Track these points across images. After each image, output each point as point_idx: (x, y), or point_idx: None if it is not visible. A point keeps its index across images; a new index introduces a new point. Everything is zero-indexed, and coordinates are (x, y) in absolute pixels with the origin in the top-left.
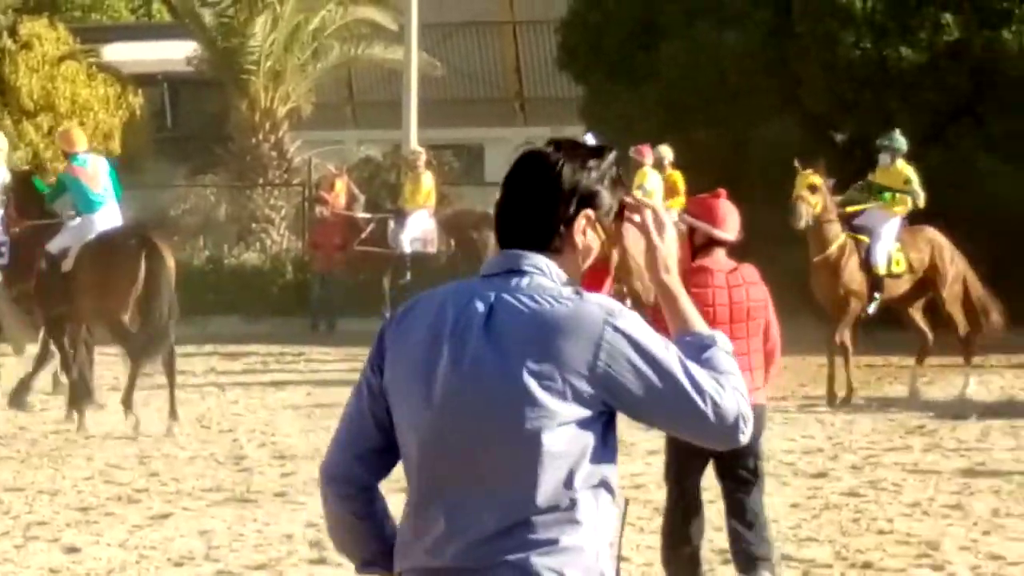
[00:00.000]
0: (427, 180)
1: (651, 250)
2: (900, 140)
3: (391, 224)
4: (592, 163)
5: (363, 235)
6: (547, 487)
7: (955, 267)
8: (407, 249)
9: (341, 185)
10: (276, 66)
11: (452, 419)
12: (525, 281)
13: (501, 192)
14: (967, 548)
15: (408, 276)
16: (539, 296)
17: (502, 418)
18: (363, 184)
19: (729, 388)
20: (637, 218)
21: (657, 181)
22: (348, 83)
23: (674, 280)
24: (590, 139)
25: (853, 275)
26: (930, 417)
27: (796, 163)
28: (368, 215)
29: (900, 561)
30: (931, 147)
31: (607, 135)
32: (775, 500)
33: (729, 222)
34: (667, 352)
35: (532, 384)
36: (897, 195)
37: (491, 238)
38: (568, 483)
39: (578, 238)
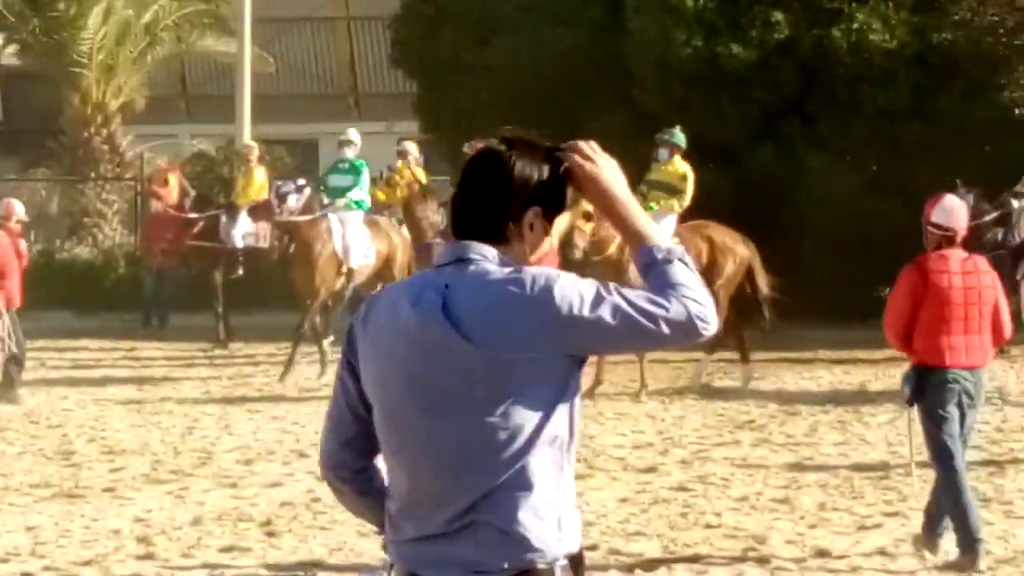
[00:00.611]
0: (259, 175)
1: (595, 173)
2: (680, 135)
3: (223, 219)
4: (544, 162)
5: (195, 230)
6: (514, 450)
7: (733, 262)
8: (239, 244)
9: (174, 180)
10: (108, 60)
11: (423, 399)
12: (472, 268)
13: (457, 186)
14: (793, 542)
15: (240, 271)
16: (485, 279)
17: (468, 393)
18: (196, 178)
19: (676, 298)
20: (576, 158)
21: None
22: (182, 77)
23: (625, 192)
24: None
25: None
26: (760, 412)
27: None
28: (199, 211)
29: (727, 554)
30: (762, 144)
31: (441, 131)
32: (604, 495)
33: None
34: (609, 294)
35: (492, 358)
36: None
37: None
38: (530, 445)
39: (526, 232)
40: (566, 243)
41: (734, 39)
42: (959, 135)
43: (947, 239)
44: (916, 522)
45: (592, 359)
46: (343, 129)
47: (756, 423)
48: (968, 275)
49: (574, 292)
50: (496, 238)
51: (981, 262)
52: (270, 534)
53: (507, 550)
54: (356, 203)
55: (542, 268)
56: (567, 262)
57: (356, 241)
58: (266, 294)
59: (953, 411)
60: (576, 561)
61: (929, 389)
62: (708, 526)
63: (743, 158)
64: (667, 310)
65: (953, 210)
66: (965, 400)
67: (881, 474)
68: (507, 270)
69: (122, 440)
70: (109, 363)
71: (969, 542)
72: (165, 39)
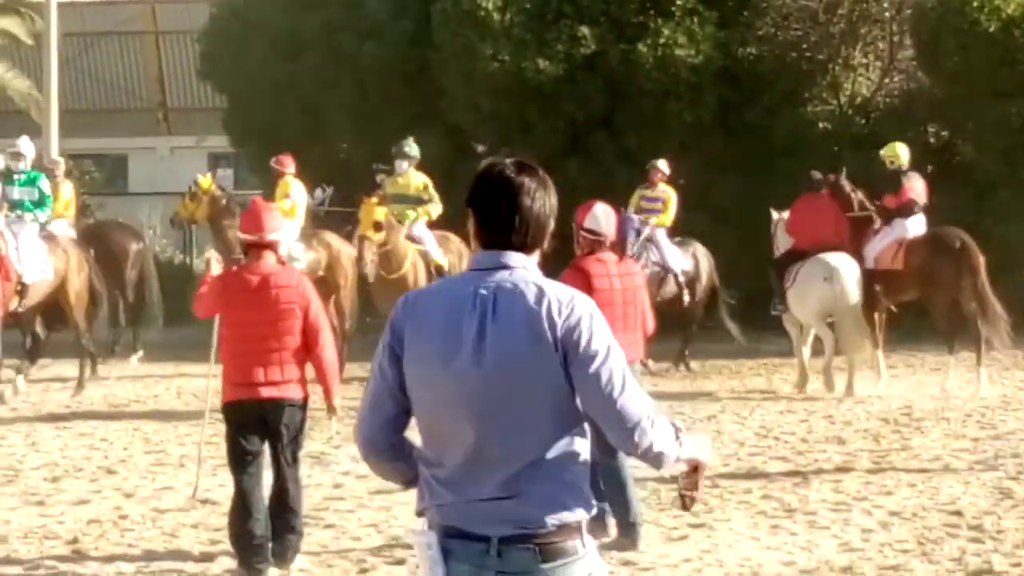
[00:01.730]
0: (66, 190)
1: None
2: (415, 147)
3: None
4: (550, 184)
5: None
6: (555, 427)
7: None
8: None
9: None
10: None
11: (474, 384)
12: (514, 274)
13: (480, 204)
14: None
15: None
16: (525, 283)
17: (516, 378)
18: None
19: (650, 417)
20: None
21: (300, 191)
22: None
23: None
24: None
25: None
26: None
27: (365, 198)
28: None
29: None
30: (570, 158)
31: (249, 145)
32: (412, 508)
33: (269, 224)
34: (615, 349)
35: (532, 349)
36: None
37: (132, 246)
38: (567, 422)
39: (545, 242)
40: (358, 258)
41: (541, 54)
42: (764, 149)
43: (599, 243)
44: (722, 533)
45: None
46: (153, 143)
47: None
48: (624, 276)
49: (589, 313)
50: (522, 248)
51: (633, 264)
52: (77, 552)
53: (549, 509)
54: (36, 214)
55: (565, 286)
56: (361, 280)
57: (31, 255)
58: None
59: None
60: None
61: None
62: None
63: (551, 172)
64: (629, 402)
65: (602, 217)
66: None
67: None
68: (541, 279)
69: None
70: None
71: (626, 524)
72: None
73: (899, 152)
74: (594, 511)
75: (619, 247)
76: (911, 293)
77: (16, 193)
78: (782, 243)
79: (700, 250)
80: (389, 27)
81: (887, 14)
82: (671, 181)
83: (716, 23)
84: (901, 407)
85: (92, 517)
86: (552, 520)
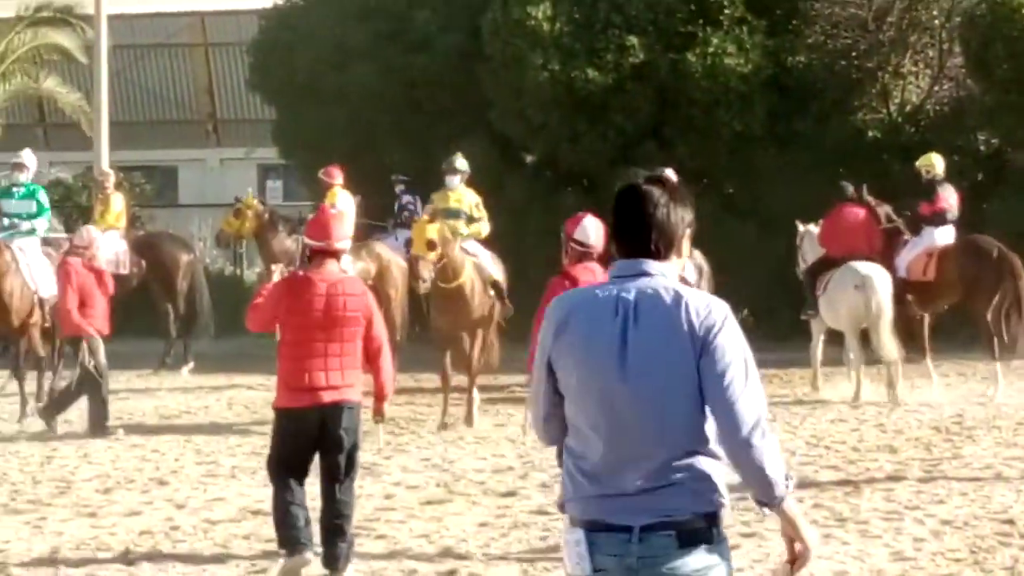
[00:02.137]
0: (117, 201)
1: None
2: (464, 162)
3: None
4: (686, 196)
5: None
6: (696, 422)
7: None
8: None
9: None
10: None
11: (617, 384)
12: (654, 281)
13: (615, 216)
14: None
15: None
16: (664, 288)
17: (656, 378)
18: (54, 206)
19: (764, 432)
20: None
21: (347, 200)
22: (39, 105)
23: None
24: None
25: (483, 301)
26: None
27: (425, 213)
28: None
29: None
30: (619, 168)
31: (298, 156)
32: (464, 520)
33: (335, 232)
34: (746, 358)
35: (672, 350)
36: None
37: (183, 258)
38: (704, 415)
39: (684, 249)
40: (412, 276)
41: (590, 63)
42: (813, 158)
43: (587, 255)
44: (774, 543)
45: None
46: (203, 155)
47: None
48: None
49: (726, 319)
50: (660, 256)
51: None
52: (129, 563)
53: (687, 500)
54: (32, 231)
55: (704, 292)
56: (415, 296)
57: (41, 270)
58: (125, 321)
59: None
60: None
61: None
62: None
63: (600, 182)
64: (750, 406)
65: (591, 229)
66: None
67: (739, 495)
68: (679, 286)
69: None
70: None
71: None
72: (17, 71)
73: (935, 162)
74: (727, 501)
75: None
76: (945, 301)
77: (13, 206)
78: (809, 254)
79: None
80: (438, 38)
81: (936, 22)
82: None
83: (765, 32)
84: (952, 416)
85: (144, 528)
86: (691, 510)
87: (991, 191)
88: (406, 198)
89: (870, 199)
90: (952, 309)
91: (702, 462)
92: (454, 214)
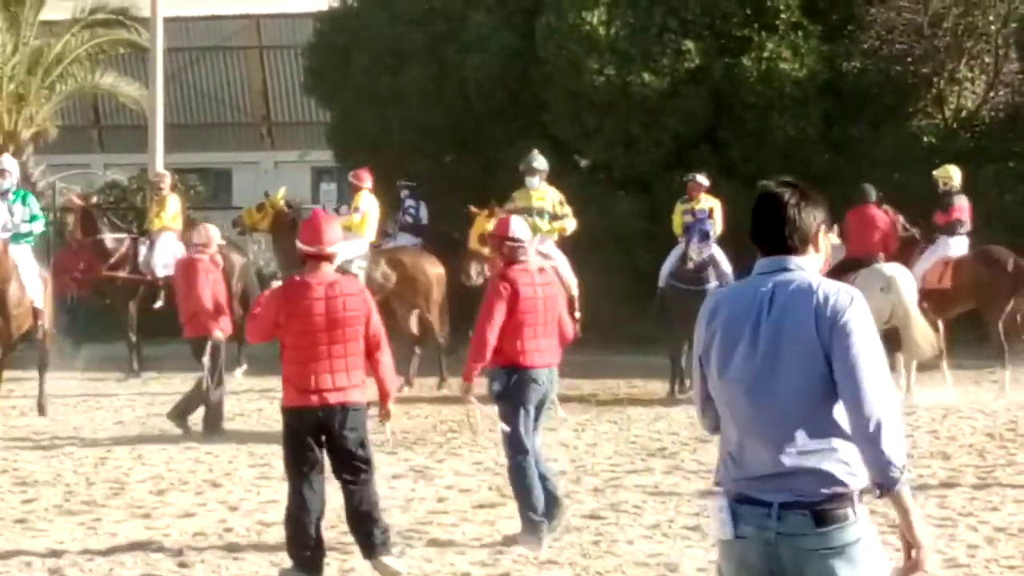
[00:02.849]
0: (172, 203)
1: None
2: (543, 160)
3: (142, 249)
4: (817, 196)
5: (112, 260)
6: (827, 407)
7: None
8: (159, 273)
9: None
10: (19, 89)
11: (762, 368)
12: (792, 274)
13: (759, 219)
14: (705, 569)
15: (160, 301)
16: (800, 280)
17: (787, 365)
18: (109, 208)
19: (889, 414)
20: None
21: (371, 203)
22: (94, 106)
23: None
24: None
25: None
26: (672, 439)
27: (470, 207)
28: (117, 237)
29: None
30: (673, 172)
31: (352, 159)
32: (517, 523)
33: (328, 236)
34: (874, 342)
35: (808, 338)
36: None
37: (238, 260)
38: (833, 402)
39: (822, 244)
40: (462, 272)
41: (645, 68)
42: (868, 163)
43: (522, 249)
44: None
45: None
46: (257, 158)
47: (668, 451)
48: (544, 285)
49: (858, 313)
50: (799, 252)
51: (551, 274)
52: (183, 565)
53: (822, 482)
54: (27, 235)
55: (842, 284)
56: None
57: (32, 279)
58: (177, 323)
59: (531, 408)
60: (863, 492)
61: (514, 386)
62: (620, 554)
63: (654, 186)
64: (877, 401)
65: (520, 226)
66: (543, 396)
67: None
68: (818, 278)
69: (34, 471)
70: (20, 393)
71: (530, 521)
72: (75, 72)
73: (952, 174)
74: (864, 483)
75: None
76: (960, 309)
77: (12, 213)
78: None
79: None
80: (493, 40)
81: (993, 27)
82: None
83: (820, 37)
84: (1006, 422)
85: (197, 530)
86: (824, 491)
87: None
88: (408, 202)
89: (887, 207)
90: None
91: (835, 444)
92: (537, 212)
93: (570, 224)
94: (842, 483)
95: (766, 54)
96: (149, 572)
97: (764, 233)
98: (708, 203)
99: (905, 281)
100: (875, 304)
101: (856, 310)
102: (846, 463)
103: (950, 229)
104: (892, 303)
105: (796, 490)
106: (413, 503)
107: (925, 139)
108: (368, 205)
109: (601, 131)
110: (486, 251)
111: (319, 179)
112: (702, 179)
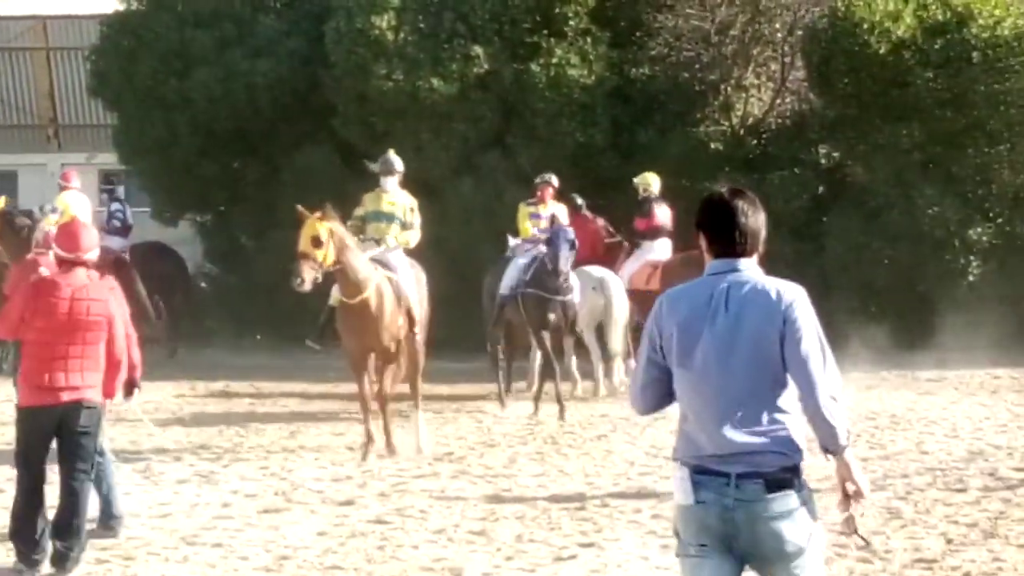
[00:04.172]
0: None
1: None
2: (400, 161)
3: None
4: (759, 203)
5: None
6: (778, 391)
7: None
8: None
9: None
10: None
11: (721, 358)
12: (744, 275)
13: (711, 222)
14: (490, 574)
15: None
16: (751, 280)
17: (744, 354)
18: None
19: (836, 393)
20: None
21: (74, 202)
22: None
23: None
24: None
25: (393, 316)
26: (459, 444)
27: (299, 208)
28: None
29: None
30: (463, 177)
31: (140, 162)
32: (301, 528)
33: (84, 243)
34: (817, 332)
35: (759, 328)
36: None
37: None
38: (784, 384)
39: (761, 248)
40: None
41: (434, 73)
42: (656, 169)
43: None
44: (612, 553)
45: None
46: (44, 160)
47: (455, 455)
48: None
49: (803, 308)
50: (745, 255)
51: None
52: None
53: (774, 456)
54: None
55: (785, 283)
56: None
57: None
58: None
59: None
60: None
61: None
62: (405, 559)
63: (444, 191)
64: (822, 383)
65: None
66: None
67: (578, 505)
68: (763, 278)
69: None
70: None
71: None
72: None
73: (651, 181)
74: (804, 457)
75: None
76: None
77: None
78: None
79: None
80: (281, 44)
81: (779, 35)
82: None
83: (609, 43)
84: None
85: None
86: (776, 464)
87: (831, 204)
88: (114, 206)
89: (588, 213)
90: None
91: (783, 424)
92: (387, 218)
93: (414, 237)
94: (791, 457)
95: (555, 60)
96: None
97: (717, 237)
98: (554, 207)
99: (614, 283)
100: (589, 303)
101: (804, 305)
102: (793, 440)
103: (652, 234)
104: (603, 302)
105: (753, 463)
106: (198, 507)
107: (712, 145)
108: (71, 205)
109: (390, 135)
110: (319, 254)
111: (107, 181)
112: (553, 180)
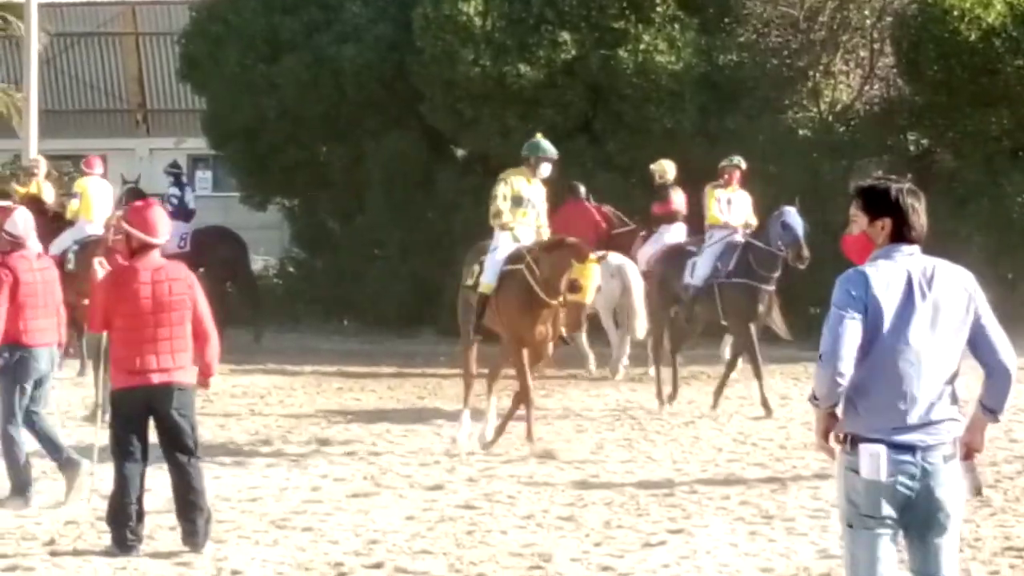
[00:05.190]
0: (47, 190)
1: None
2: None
3: None
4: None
5: None
6: (955, 362)
7: None
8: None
9: None
10: None
11: (926, 335)
12: (927, 259)
13: (901, 210)
14: (578, 559)
15: None
16: (938, 264)
17: (950, 332)
18: None
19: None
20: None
21: (95, 187)
22: None
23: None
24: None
25: None
26: (547, 429)
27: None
28: None
29: (513, 572)
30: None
31: (227, 147)
32: (390, 513)
33: (160, 228)
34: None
35: (962, 310)
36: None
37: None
38: (957, 359)
39: None
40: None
41: (521, 59)
42: (744, 155)
43: (19, 245)
44: (700, 539)
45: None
46: (132, 144)
47: (543, 441)
48: (43, 270)
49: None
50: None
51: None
52: (53, 553)
53: (949, 430)
54: None
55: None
56: None
57: None
58: None
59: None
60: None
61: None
62: (494, 544)
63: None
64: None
65: (22, 221)
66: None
67: (666, 491)
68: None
69: None
70: None
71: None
72: None
73: (667, 168)
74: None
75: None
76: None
77: None
78: None
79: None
80: (368, 30)
81: (868, 22)
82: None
83: (697, 29)
84: None
85: (69, 519)
86: (953, 432)
87: (920, 191)
88: (172, 190)
89: (591, 203)
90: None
91: (955, 400)
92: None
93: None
94: (956, 430)
95: (643, 46)
96: (19, 562)
97: (906, 224)
98: (742, 193)
99: (631, 269)
100: (606, 288)
101: (979, 288)
102: (957, 417)
103: (668, 219)
104: (621, 287)
105: (935, 436)
106: (287, 492)
107: (801, 132)
108: (90, 189)
109: (477, 122)
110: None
111: (194, 166)
112: (742, 163)
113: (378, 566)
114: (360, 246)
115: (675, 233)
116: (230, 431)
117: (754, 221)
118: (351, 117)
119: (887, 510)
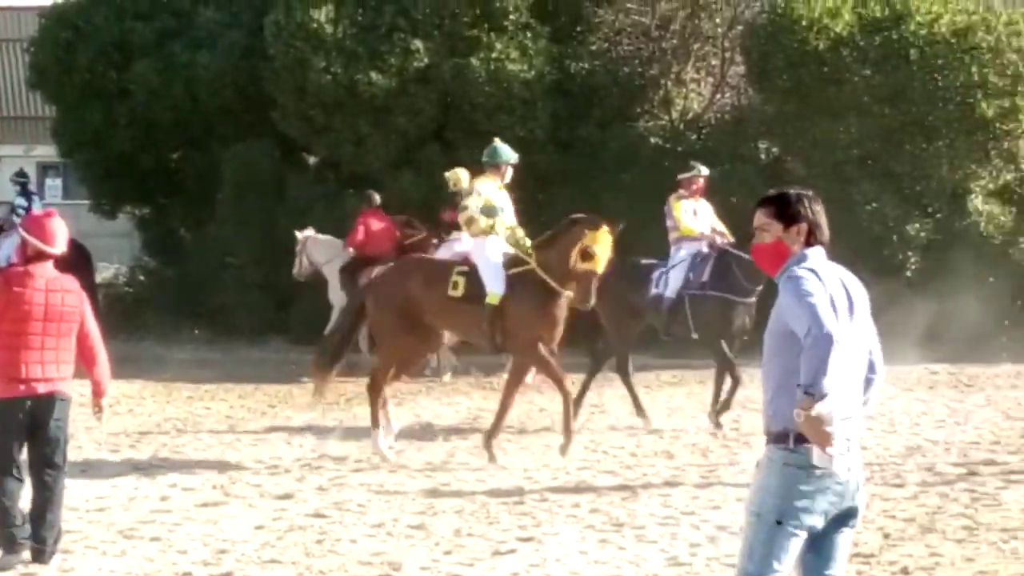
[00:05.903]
0: None
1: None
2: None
3: None
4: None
5: None
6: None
7: None
8: None
9: None
10: None
11: (853, 329)
12: (832, 264)
13: (816, 216)
14: (428, 568)
15: None
16: (843, 270)
17: (860, 330)
18: None
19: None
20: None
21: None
22: None
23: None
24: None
25: None
26: (398, 438)
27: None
28: None
29: None
30: (402, 170)
31: (79, 155)
32: (239, 522)
33: (58, 238)
34: None
35: (866, 313)
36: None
37: None
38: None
39: None
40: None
41: (373, 67)
42: (596, 163)
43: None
44: (550, 547)
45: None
46: None
47: (393, 449)
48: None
49: None
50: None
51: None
52: None
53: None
54: None
55: None
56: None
57: None
58: None
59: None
60: None
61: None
62: (344, 553)
63: (383, 184)
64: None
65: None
66: None
67: (517, 499)
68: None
69: None
70: None
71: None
72: None
73: (461, 176)
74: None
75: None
76: None
77: None
78: (317, 256)
79: None
80: (222, 37)
81: (719, 31)
82: None
83: (549, 38)
84: (730, 422)
85: None
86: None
87: None
88: (18, 200)
89: (380, 212)
90: None
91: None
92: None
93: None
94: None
95: (495, 55)
96: None
97: (819, 229)
98: (704, 202)
99: None
100: None
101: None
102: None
103: (459, 226)
104: None
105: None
106: (135, 501)
107: (652, 140)
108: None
109: (329, 129)
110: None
111: (44, 174)
112: (704, 170)
113: None
114: (211, 254)
115: (467, 240)
116: (78, 440)
117: (724, 229)
118: (203, 124)
119: (825, 506)
